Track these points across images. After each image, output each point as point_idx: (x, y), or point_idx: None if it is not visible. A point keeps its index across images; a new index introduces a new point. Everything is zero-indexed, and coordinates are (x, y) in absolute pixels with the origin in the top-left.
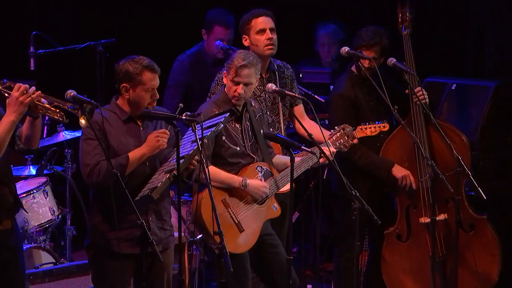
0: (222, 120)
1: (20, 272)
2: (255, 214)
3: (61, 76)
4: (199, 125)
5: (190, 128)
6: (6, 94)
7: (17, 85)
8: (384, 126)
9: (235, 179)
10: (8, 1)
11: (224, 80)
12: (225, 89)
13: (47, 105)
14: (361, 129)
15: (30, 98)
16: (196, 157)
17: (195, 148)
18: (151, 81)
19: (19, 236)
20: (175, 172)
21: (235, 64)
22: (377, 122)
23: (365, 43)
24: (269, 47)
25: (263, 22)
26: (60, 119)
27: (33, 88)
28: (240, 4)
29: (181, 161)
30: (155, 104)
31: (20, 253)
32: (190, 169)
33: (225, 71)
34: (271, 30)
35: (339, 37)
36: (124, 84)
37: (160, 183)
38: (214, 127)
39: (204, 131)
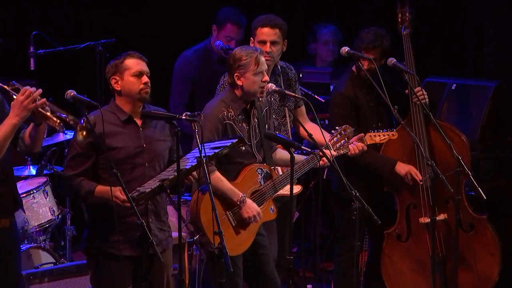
0: (229, 144)
1: (15, 271)
2: None
3: (61, 76)
4: (200, 127)
5: (196, 149)
6: (14, 96)
7: (24, 89)
8: (393, 135)
9: (235, 193)
10: (8, 1)
11: (239, 81)
12: (248, 83)
13: (48, 114)
14: (370, 136)
15: (34, 104)
16: (194, 173)
17: (194, 164)
18: (136, 65)
19: (17, 235)
20: (167, 182)
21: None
22: (385, 130)
23: (365, 45)
24: (266, 57)
25: (265, 33)
26: (57, 128)
27: (39, 92)
28: (238, 4)
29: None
30: (148, 90)
31: (16, 252)
32: (186, 183)
33: (238, 71)
34: (272, 42)
35: (339, 37)
36: (114, 77)
37: (150, 189)
38: (219, 150)
39: (208, 150)
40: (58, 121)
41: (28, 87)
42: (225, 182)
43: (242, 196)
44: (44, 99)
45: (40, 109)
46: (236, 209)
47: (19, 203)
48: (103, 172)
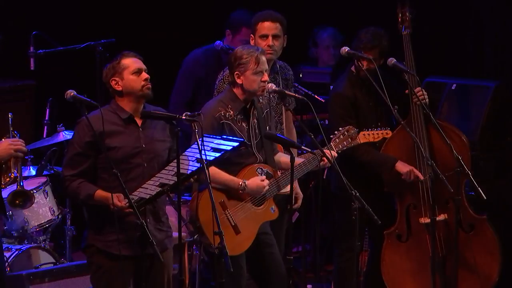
0: (231, 148)
1: (1, 273)
2: (252, 216)
3: (61, 76)
4: (201, 129)
5: (195, 143)
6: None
7: (20, 140)
8: (387, 133)
9: (234, 182)
10: (8, 1)
11: (238, 80)
12: (247, 82)
13: (12, 166)
14: (364, 135)
15: (13, 154)
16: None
17: (196, 169)
18: (134, 63)
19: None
20: (168, 188)
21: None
22: (379, 129)
23: (363, 45)
24: (269, 51)
25: (266, 27)
26: (3, 181)
27: (25, 151)
28: (237, 5)
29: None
30: (150, 85)
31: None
32: (185, 185)
33: (239, 69)
34: (274, 36)
35: (340, 39)
36: (113, 78)
37: (150, 196)
38: (220, 154)
39: (209, 153)
40: (12, 177)
41: (23, 143)
42: (222, 174)
43: (241, 184)
44: (21, 156)
45: (13, 159)
46: (235, 208)
47: (3, 210)
48: (102, 172)
